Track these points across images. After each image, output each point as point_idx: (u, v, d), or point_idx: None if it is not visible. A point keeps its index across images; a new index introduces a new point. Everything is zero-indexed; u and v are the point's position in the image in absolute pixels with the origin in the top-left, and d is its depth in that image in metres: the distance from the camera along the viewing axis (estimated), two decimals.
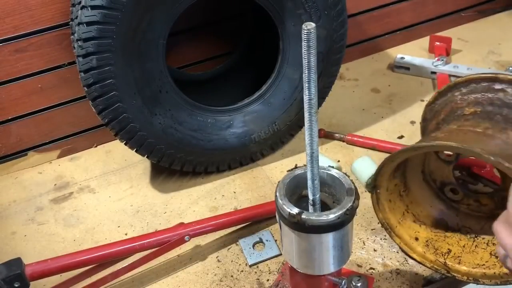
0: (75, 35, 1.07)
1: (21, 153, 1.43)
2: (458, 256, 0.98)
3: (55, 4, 1.28)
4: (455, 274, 0.96)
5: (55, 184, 1.38)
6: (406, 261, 1.05)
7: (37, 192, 1.36)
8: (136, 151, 1.21)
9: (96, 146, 1.49)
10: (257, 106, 1.32)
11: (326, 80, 1.32)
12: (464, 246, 0.99)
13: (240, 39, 1.55)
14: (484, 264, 0.95)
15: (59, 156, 1.47)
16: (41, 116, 1.40)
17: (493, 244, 0.97)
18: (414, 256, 0.99)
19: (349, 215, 0.76)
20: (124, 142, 1.18)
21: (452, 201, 1.04)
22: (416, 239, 1.00)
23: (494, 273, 0.93)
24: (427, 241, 1.00)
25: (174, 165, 1.27)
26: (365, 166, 1.24)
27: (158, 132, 1.19)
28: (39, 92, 1.37)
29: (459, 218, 1.02)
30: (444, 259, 0.97)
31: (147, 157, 1.23)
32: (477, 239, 0.99)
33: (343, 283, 0.85)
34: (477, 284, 0.95)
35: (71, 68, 1.37)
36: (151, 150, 1.21)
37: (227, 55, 1.56)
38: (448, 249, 0.99)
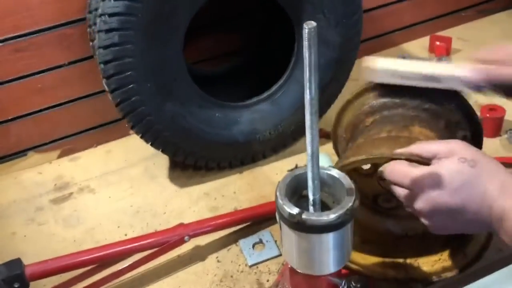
0: (99, 10, 1.07)
1: (21, 153, 1.43)
2: (416, 260, 0.98)
3: (56, 3, 1.28)
4: (419, 279, 0.96)
5: (55, 184, 1.37)
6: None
7: (37, 192, 1.35)
8: (141, 136, 1.20)
9: (96, 146, 1.49)
10: (265, 105, 1.33)
11: (335, 86, 1.33)
12: (416, 248, 0.99)
13: (254, 37, 1.56)
14: (440, 258, 0.96)
15: (59, 156, 1.47)
16: (41, 116, 1.40)
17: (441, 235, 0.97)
18: (375, 275, 0.99)
19: (349, 215, 0.76)
20: (132, 125, 1.18)
21: (389, 210, 1.03)
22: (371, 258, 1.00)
23: (451, 263, 0.94)
24: (383, 257, 1.00)
25: (177, 155, 1.26)
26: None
27: (167, 119, 1.19)
28: (39, 92, 1.37)
29: (401, 224, 1.02)
30: (405, 269, 0.97)
31: (151, 144, 1.22)
32: (425, 236, 0.98)
33: (343, 284, 0.85)
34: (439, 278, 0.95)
35: (71, 68, 1.37)
36: (156, 136, 1.20)
37: (239, 52, 1.56)
38: (404, 256, 0.99)
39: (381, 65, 0.95)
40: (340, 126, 1.04)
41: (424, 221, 0.79)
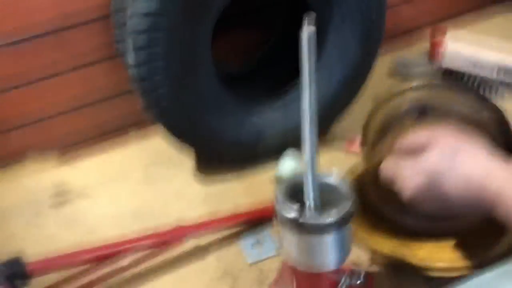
0: None
1: (21, 157, 1.43)
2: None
3: (56, 5, 1.28)
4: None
5: (55, 188, 1.37)
6: None
7: (37, 196, 1.35)
8: (147, 109, 1.19)
9: (96, 150, 1.49)
10: (277, 112, 1.33)
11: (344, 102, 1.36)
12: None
13: (273, 35, 1.56)
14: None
15: (59, 160, 1.47)
16: (41, 120, 1.41)
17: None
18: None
19: (348, 217, 0.76)
20: (145, 95, 1.16)
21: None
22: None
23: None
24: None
25: (182, 143, 1.26)
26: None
27: (179, 106, 1.18)
28: (39, 96, 1.38)
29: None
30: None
31: (156, 120, 1.20)
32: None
33: (343, 280, 0.85)
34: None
35: (71, 72, 1.37)
36: (166, 120, 1.20)
37: (260, 48, 1.56)
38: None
39: (452, 48, 0.84)
40: (370, 129, 1.02)
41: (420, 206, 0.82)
